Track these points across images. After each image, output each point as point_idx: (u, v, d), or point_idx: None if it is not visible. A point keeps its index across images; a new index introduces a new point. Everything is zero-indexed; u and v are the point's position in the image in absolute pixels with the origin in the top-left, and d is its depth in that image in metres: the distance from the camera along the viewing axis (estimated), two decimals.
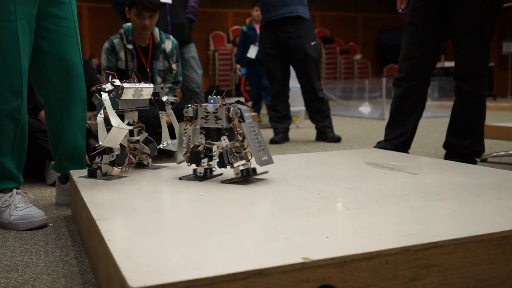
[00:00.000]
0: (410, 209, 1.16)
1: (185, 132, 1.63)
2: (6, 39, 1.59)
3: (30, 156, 2.28)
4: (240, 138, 1.55)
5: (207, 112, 1.55)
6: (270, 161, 1.52)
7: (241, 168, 1.53)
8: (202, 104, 1.57)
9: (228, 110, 1.53)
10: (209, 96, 1.56)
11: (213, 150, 1.56)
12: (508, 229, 0.98)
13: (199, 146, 1.57)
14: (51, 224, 1.67)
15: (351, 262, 0.85)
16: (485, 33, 2.33)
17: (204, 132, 1.57)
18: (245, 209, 1.20)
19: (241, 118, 1.52)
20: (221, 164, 1.53)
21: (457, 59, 2.42)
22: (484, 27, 2.32)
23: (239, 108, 1.52)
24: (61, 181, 1.93)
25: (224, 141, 1.53)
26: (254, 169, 1.56)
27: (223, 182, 1.53)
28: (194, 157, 1.57)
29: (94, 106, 3.03)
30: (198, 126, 1.58)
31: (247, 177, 1.54)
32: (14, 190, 1.68)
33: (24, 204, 1.65)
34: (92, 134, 2.71)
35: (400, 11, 2.68)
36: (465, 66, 2.38)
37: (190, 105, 1.60)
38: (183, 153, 1.64)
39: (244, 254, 0.86)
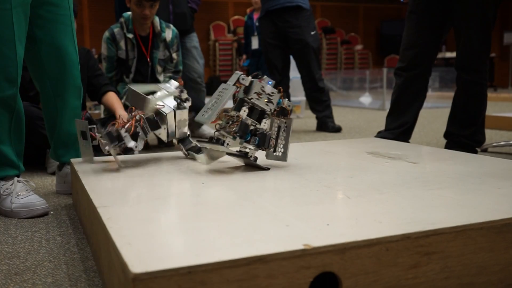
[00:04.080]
0: (411, 197, 1.16)
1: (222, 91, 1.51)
2: (1, 28, 1.58)
3: (31, 145, 2.28)
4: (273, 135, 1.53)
5: (263, 91, 1.50)
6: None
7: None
8: (262, 79, 1.51)
9: (285, 98, 1.51)
10: (265, 77, 1.51)
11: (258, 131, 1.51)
12: (508, 217, 0.98)
13: (247, 119, 1.49)
14: (52, 212, 1.67)
15: (351, 249, 0.85)
16: (487, 23, 2.32)
17: (248, 106, 1.51)
18: (246, 197, 1.20)
19: (290, 113, 1.52)
20: (262, 144, 1.50)
21: (458, 49, 2.41)
22: (486, 17, 2.32)
23: (291, 102, 1.52)
24: (59, 168, 1.94)
25: (266, 125, 1.51)
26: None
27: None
28: (243, 128, 1.47)
29: (95, 97, 3.01)
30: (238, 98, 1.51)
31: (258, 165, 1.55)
32: (16, 178, 1.68)
33: (26, 192, 1.65)
34: (93, 123, 2.71)
35: (401, 0, 2.67)
36: (466, 55, 2.38)
37: (255, 75, 1.53)
38: (207, 113, 1.49)
39: (245, 241, 0.87)
